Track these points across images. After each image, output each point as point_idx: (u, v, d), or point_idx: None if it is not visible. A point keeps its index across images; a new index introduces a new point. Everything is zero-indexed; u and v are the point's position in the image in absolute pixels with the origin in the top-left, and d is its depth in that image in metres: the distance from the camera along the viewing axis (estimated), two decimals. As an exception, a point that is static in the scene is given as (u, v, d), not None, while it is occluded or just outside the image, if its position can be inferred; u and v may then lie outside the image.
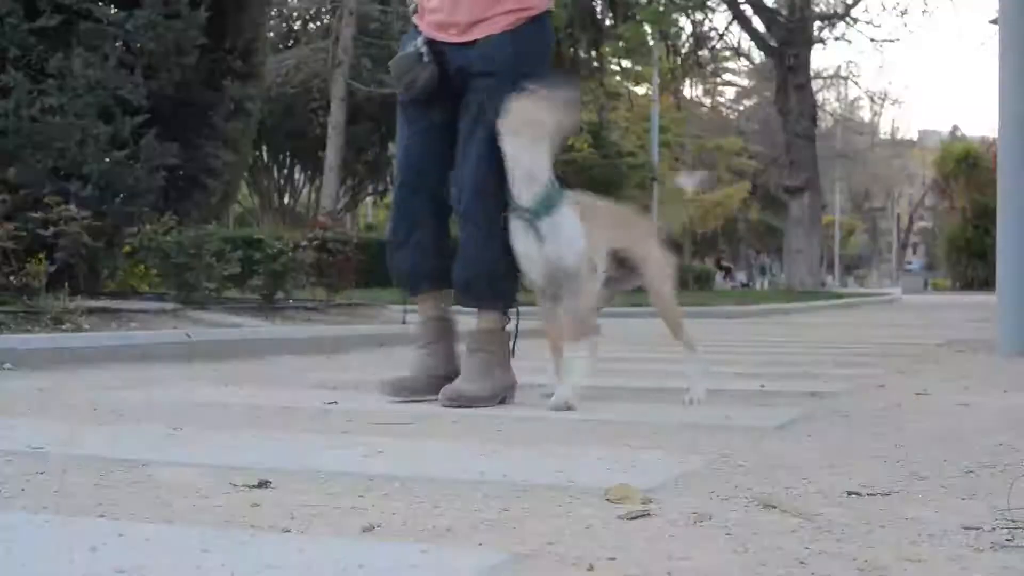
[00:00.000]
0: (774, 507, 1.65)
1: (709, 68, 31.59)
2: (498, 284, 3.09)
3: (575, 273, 2.89)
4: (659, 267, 3.13)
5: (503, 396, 3.07)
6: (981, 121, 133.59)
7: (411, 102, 3.16)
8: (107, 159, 6.15)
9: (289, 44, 25.07)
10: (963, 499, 1.73)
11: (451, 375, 3.11)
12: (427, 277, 3.20)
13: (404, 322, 3.28)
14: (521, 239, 2.90)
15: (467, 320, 3.27)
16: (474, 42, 3.05)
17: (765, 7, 24.34)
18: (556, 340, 3.00)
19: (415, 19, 3.21)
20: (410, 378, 3.14)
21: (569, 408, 2.86)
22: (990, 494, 1.76)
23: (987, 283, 28.49)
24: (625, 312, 8.89)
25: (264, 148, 25.04)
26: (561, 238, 2.87)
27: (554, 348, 3.02)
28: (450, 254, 3.17)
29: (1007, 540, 1.44)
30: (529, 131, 2.85)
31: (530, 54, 3.08)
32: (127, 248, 6.73)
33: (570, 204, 2.94)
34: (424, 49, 3.07)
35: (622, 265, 3.10)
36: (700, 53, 26.08)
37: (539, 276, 2.94)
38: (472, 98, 3.07)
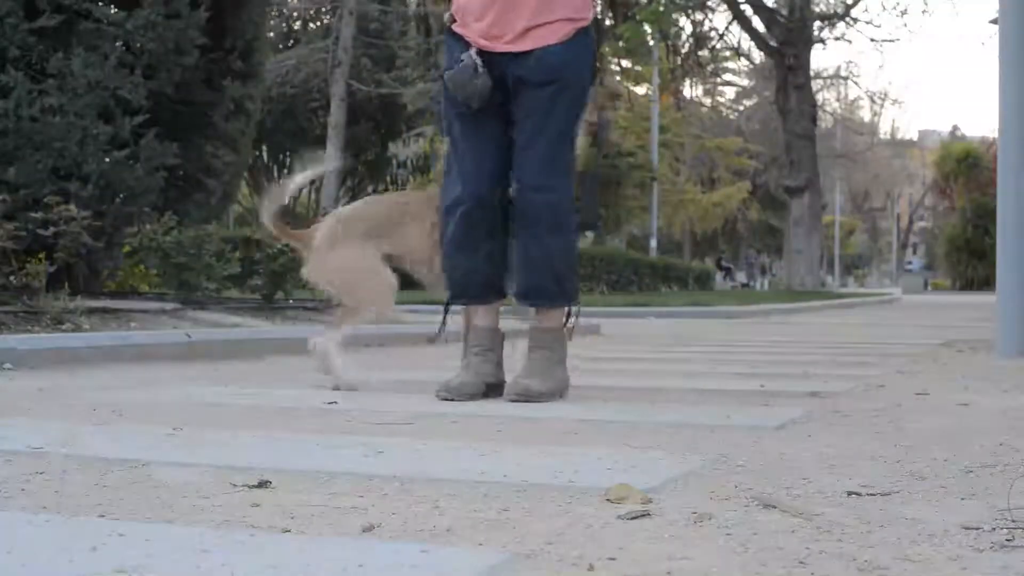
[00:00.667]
0: (774, 507, 1.65)
1: (709, 68, 31.58)
2: (564, 283, 3.19)
3: None
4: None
5: (561, 392, 3.16)
6: (981, 121, 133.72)
7: (470, 115, 3.17)
8: (107, 159, 6.15)
9: (289, 44, 25.08)
10: (963, 499, 1.73)
11: (499, 381, 3.22)
12: (493, 288, 3.29)
13: (439, 333, 3.39)
14: None
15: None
16: (530, 51, 3.08)
17: (765, 7, 24.33)
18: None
19: (456, 28, 3.21)
20: (466, 382, 3.19)
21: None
22: (990, 494, 1.76)
23: (987, 283, 28.51)
24: (626, 312, 8.89)
25: (264, 148, 25.06)
26: None
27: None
28: (508, 265, 3.29)
29: (1007, 540, 1.44)
30: None
31: (584, 63, 3.17)
32: (127, 248, 6.73)
33: None
34: (477, 60, 3.08)
35: None
36: (700, 53, 26.08)
37: None
38: (533, 106, 3.12)
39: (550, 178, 3.11)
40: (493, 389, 3.19)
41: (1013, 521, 1.54)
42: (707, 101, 45.65)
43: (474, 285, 3.28)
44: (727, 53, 30.81)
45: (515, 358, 3.31)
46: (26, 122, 5.90)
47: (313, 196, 25.95)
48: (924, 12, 52.08)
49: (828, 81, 42.27)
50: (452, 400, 3.10)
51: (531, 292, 3.22)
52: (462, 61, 3.08)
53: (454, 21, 3.22)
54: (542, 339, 3.21)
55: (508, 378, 3.23)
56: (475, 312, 3.32)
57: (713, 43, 26.75)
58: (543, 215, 3.13)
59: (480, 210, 3.21)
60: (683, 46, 25.62)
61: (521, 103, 3.13)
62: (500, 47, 3.09)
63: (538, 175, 3.13)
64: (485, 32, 3.11)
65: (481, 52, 3.09)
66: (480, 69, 3.07)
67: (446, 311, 3.36)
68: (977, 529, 1.50)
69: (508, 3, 3.07)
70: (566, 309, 3.26)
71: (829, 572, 1.29)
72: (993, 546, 1.41)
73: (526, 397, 3.04)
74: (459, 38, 3.18)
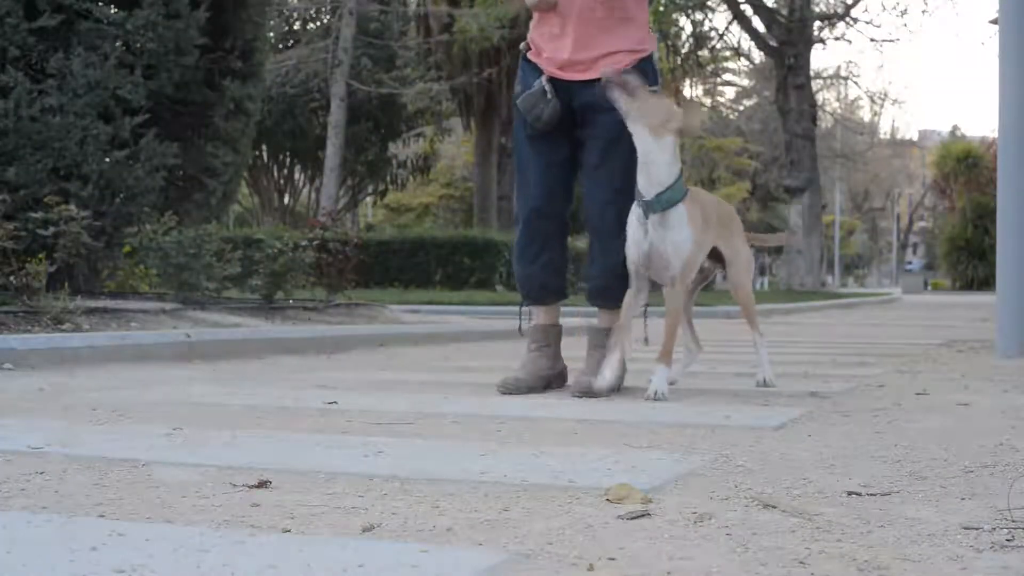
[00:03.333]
0: (774, 507, 1.65)
1: (709, 68, 31.57)
2: (623, 288, 3.41)
3: (673, 279, 3.28)
4: (744, 264, 3.57)
5: (619, 386, 3.40)
6: (981, 121, 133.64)
7: (538, 136, 3.52)
8: (107, 159, 6.14)
9: (289, 44, 25.07)
10: (963, 499, 1.73)
11: (558, 373, 3.62)
12: (553, 291, 3.65)
13: (520, 330, 3.73)
14: (633, 225, 3.28)
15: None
16: (597, 80, 3.32)
17: (765, 7, 24.32)
18: (620, 329, 3.36)
19: (531, 56, 3.53)
20: (523, 377, 3.50)
21: (660, 398, 3.20)
22: (990, 494, 1.76)
23: (987, 283, 28.49)
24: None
25: (264, 148, 25.05)
26: (668, 239, 3.24)
27: (622, 338, 3.36)
28: (567, 272, 3.71)
29: (1007, 540, 1.44)
30: (662, 129, 3.21)
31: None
32: (127, 248, 6.73)
33: (690, 204, 3.28)
34: (547, 87, 3.41)
35: (714, 259, 3.53)
36: (700, 53, 26.07)
37: (637, 261, 3.30)
38: (600, 132, 3.44)
39: (619, 194, 3.41)
40: (553, 380, 3.59)
41: (1013, 521, 1.54)
42: (707, 101, 45.60)
43: (534, 288, 3.65)
44: (727, 53, 30.77)
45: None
46: (26, 122, 5.90)
47: (313, 196, 25.95)
48: (924, 12, 52.10)
49: (828, 81, 42.24)
50: (511, 395, 3.39)
51: (603, 294, 3.55)
52: (534, 87, 3.44)
53: (529, 49, 3.55)
54: (603, 337, 3.50)
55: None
56: (536, 312, 3.69)
57: (713, 43, 26.74)
58: (615, 227, 3.40)
59: (540, 222, 3.57)
60: (683, 46, 25.61)
61: (590, 127, 3.46)
62: (570, 76, 3.42)
63: (610, 191, 3.45)
64: (559, 62, 3.44)
65: (553, 80, 3.43)
66: (550, 95, 3.40)
67: (521, 310, 3.78)
68: (977, 529, 1.50)
69: (580, 37, 3.41)
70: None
71: (829, 572, 1.29)
72: (993, 546, 1.41)
73: (589, 393, 3.30)
74: (534, 65, 3.51)
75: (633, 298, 3.36)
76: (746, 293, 3.61)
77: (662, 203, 3.21)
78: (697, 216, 3.30)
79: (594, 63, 3.39)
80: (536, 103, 3.42)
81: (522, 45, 3.61)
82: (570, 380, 3.62)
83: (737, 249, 3.57)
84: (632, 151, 3.28)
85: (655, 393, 3.20)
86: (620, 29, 3.43)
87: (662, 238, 3.22)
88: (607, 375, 3.29)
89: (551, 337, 3.65)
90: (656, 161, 3.21)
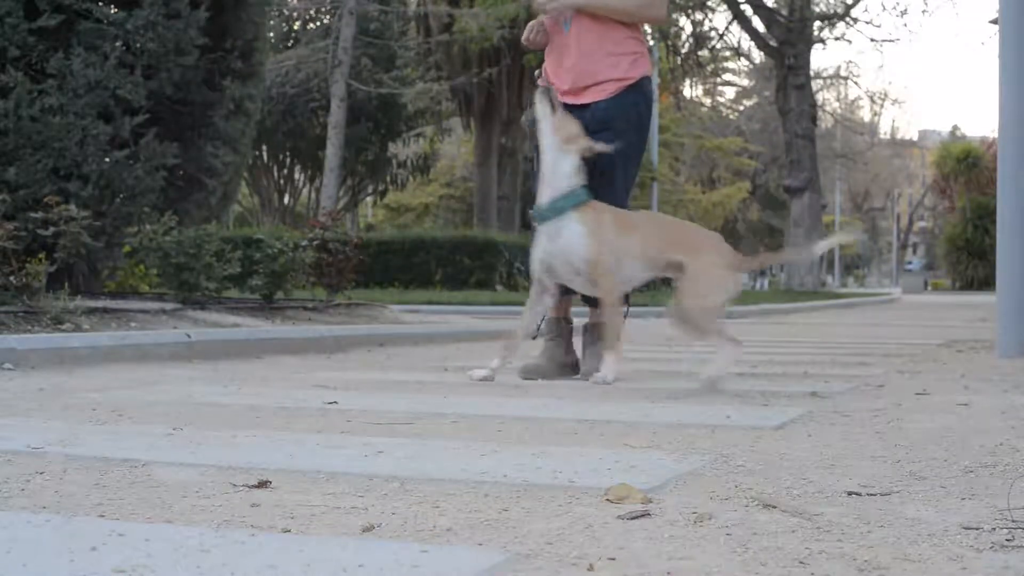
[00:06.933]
0: (774, 507, 1.65)
1: (709, 68, 31.57)
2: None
3: (586, 273, 3.63)
4: (692, 283, 3.63)
5: (617, 373, 3.77)
6: (981, 121, 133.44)
7: None
8: (107, 159, 6.14)
9: (289, 44, 25.06)
10: (963, 499, 1.73)
11: (572, 363, 4.07)
12: (562, 288, 3.95)
13: (539, 329, 4.02)
14: (534, 235, 3.72)
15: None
16: (588, 104, 3.92)
17: (765, 7, 24.32)
18: (517, 334, 3.84)
19: (540, 83, 4.04)
20: (541, 363, 4.01)
21: (606, 383, 3.58)
22: (990, 494, 1.76)
23: (987, 283, 28.47)
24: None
25: (264, 148, 25.06)
26: (559, 242, 3.63)
27: (509, 340, 3.87)
28: None
29: (1007, 540, 1.44)
30: (563, 142, 3.69)
31: (629, 114, 3.97)
32: (127, 248, 6.73)
33: (590, 211, 3.62)
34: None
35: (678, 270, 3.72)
36: (700, 53, 26.09)
37: (538, 268, 3.77)
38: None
39: (617, 198, 3.88)
40: (567, 367, 4.04)
41: (1013, 521, 1.54)
42: (707, 101, 45.63)
43: None
44: (727, 53, 30.78)
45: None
46: (26, 122, 5.90)
47: (313, 196, 25.95)
48: (924, 12, 52.14)
49: (828, 81, 42.27)
50: (532, 380, 3.86)
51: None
52: None
53: (540, 77, 4.10)
54: (599, 333, 3.94)
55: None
56: (556, 306, 4.05)
57: (713, 43, 26.76)
58: None
59: None
60: (683, 46, 25.62)
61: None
62: (570, 100, 3.92)
63: (609, 198, 3.82)
64: (564, 90, 3.95)
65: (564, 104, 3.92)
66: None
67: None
68: (977, 529, 1.50)
69: (580, 69, 3.94)
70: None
71: (829, 572, 1.29)
72: (993, 546, 1.41)
73: (597, 380, 3.68)
74: None
75: (532, 302, 3.82)
76: (696, 310, 3.63)
77: (554, 210, 3.63)
78: (602, 223, 3.62)
79: (583, 91, 3.94)
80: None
81: (536, 73, 4.17)
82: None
83: (694, 268, 3.62)
84: (622, 163, 3.86)
85: (603, 379, 3.60)
86: (609, 60, 3.95)
87: (555, 244, 3.64)
88: (616, 367, 3.69)
89: (563, 329, 4.10)
90: (558, 171, 3.68)
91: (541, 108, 3.76)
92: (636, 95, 3.99)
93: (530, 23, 4.09)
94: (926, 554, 1.37)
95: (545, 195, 3.69)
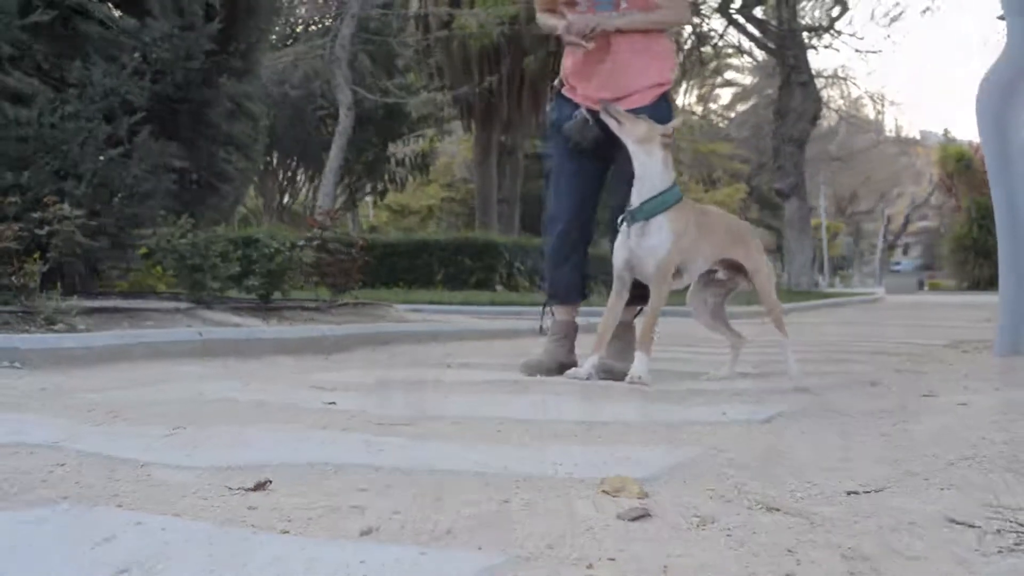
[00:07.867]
0: (776, 509, 1.66)
1: (711, 66, 31.55)
2: (641, 287, 3.80)
3: (649, 279, 3.67)
4: (765, 274, 3.92)
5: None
6: (970, 125, 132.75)
7: (576, 153, 4.08)
8: (101, 157, 6.15)
9: (288, 43, 25.06)
10: (959, 497, 1.74)
11: (572, 362, 4.09)
12: (578, 291, 4.23)
13: (541, 329, 4.26)
14: (621, 231, 3.72)
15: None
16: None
17: (756, 18, 24.50)
18: (605, 329, 3.78)
19: (564, 91, 4.13)
20: (544, 361, 4.08)
21: (643, 383, 3.54)
22: (985, 491, 1.77)
23: (992, 283, 28.37)
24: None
25: (275, 154, 25.16)
26: (644, 244, 3.65)
27: (601, 336, 3.78)
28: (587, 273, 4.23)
29: (1014, 544, 1.45)
30: (640, 142, 3.71)
31: (666, 117, 3.96)
32: (144, 250, 6.76)
33: (675, 213, 3.66)
34: (588, 116, 3.99)
35: (734, 270, 3.93)
36: (703, 49, 26.11)
37: (620, 265, 3.75)
38: (626, 154, 3.87)
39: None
40: (568, 367, 3.98)
41: (1013, 521, 1.55)
42: (699, 109, 45.62)
43: (561, 289, 4.21)
44: (730, 50, 30.80)
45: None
46: (46, 129, 5.93)
47: (312, 195, 25.95)
48: (924, 12, 52.05)
49: (829, 80, 42.22)
50: (533, 376, 3.89)
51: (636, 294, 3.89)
52: (575, 117, 4.02)
53: (563, 85, 4.15)
54: (623, 329, 4.00)
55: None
56: (558, 309, 4.24)
57: (715, 41, 26.80)
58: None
59: (573, 229, 4.13)
60: (685, 43, 25.63)
61: (620, 148, 3.83)
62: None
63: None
64: (590, 95, 3.99)
65: (591, 110, 3.95)
66: (591, 122, 3.97)
67: (544, 309, 4.31)
68: (971, 526, 1.51)
69: (611, 73, 3.98)
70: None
71: (816, 559, 1.30)
72: (993, 546, 1.42)
73: (610, 375, 3.73)
74: (567, 99, 4.11)
75: (615, 299, 3.76)
76: (772, 300, 3.94)
77: (644, 212, 3.64)
78: (681, 225, 3.66)
79: (622, 98, 3.93)
80: (582, 129, 4.00)
81: (556, 81, 4.21)
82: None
83: (756, 261, 3.91)
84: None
85: (636, 377, 3.55)
86: (638, 68, 3.99)
87: (639, 244, 3.65)
88: (625, 361, 3.75)
89: (569, 332, 4.22)
90: (646, 173, 3.68)
91: (611, 124, 3.75)
92: (666, 101, 4.10)
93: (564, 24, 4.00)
94: (921, 550, 1.39)
95: (637, 197, 3.69)
